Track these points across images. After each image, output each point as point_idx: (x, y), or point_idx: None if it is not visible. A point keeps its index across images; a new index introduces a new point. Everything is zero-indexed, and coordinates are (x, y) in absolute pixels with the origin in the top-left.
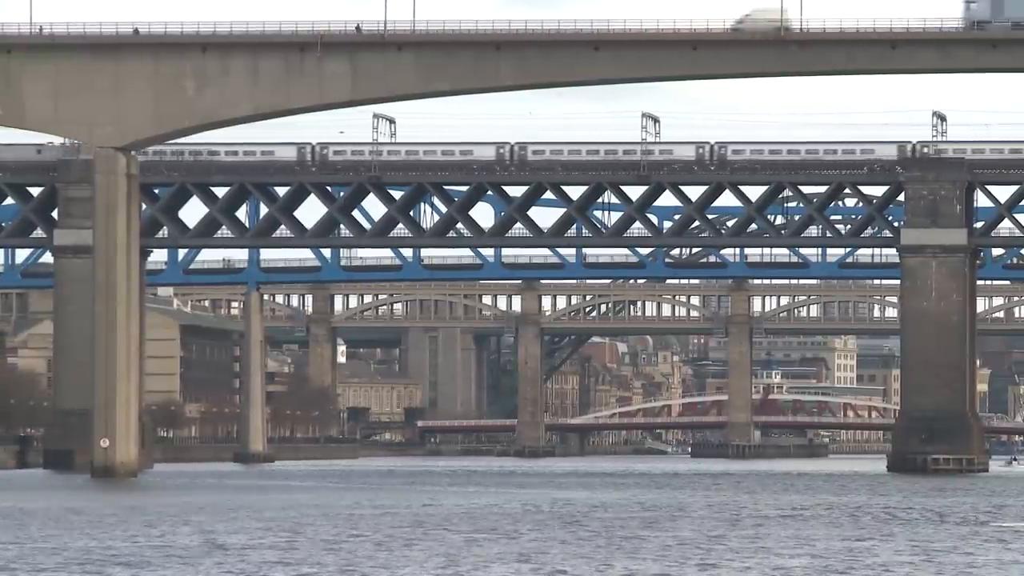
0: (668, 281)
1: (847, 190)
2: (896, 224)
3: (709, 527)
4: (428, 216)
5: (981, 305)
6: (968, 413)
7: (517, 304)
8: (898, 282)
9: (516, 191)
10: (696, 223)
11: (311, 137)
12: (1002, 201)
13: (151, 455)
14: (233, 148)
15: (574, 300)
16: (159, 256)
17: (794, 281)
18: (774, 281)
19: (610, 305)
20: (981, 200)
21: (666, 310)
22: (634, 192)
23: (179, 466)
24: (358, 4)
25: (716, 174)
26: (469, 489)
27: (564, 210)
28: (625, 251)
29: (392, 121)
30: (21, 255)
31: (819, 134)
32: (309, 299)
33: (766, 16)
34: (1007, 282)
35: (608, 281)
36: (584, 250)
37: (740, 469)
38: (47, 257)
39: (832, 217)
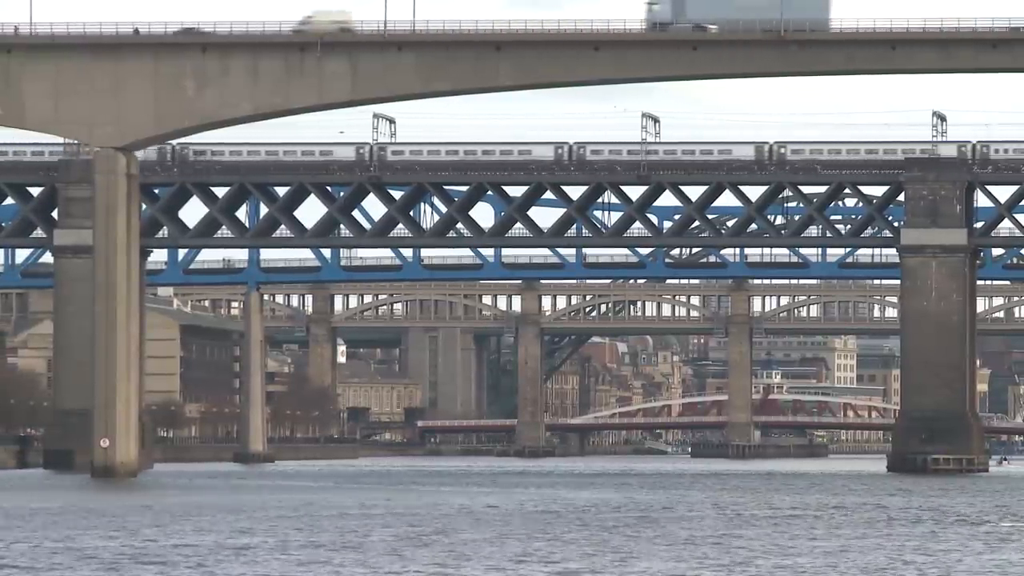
0: (668, 281)
1: (847, 190)
2: (896, 224)
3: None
4: (428, 216)
5: (981, 305)
6: (968, 413)
7: (517, 304)
8: (898, 282)
9: (516, 191)
10: (696, 223)
11: (312, 137)
12: (1002, 201)
13: (151, 455)
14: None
15: (574, 300)
16: (159, 256)
17: (794, 281)
18: (774, 281)
19: (610, 305)
20: (981, 200)
21: (666, 310)
22: (634, 192)
23: (179, 466)
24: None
25: (716, 174)
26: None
27: (564, 210)
28: (625, 251)
29: (392, 121)
30: (21, 255)
31: (819, 134)
32: (309, 299)
33: (329, 17)
34: (1007, 282)
35: (608, 281)
36: (584, 250)
37: (742, 469)
38: (47, 257)
39: (832, 217)
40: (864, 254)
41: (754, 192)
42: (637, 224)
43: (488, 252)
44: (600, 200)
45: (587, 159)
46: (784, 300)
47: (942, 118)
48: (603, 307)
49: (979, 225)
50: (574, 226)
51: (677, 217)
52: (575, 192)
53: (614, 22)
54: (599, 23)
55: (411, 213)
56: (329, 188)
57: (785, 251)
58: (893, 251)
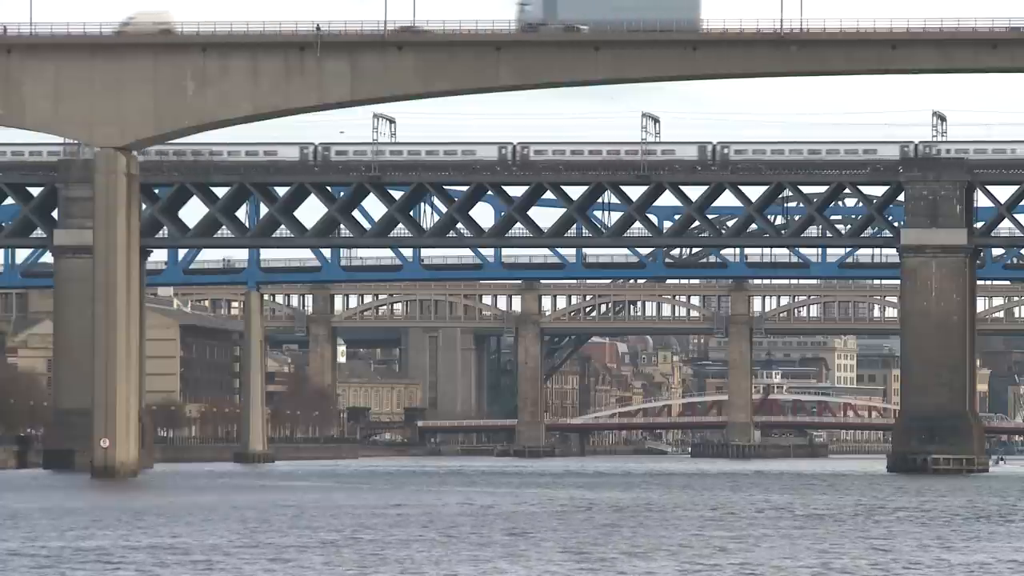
0: (668, 281)
1: (847, 190)
2: (896, 224)
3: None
4: (428, 216)
5: (981, 305)
6: (968, 413)
7: (517, 304)
8: (898, 282)
9: (516, 191)
10: (696, 223)
11: (312, 137)
12: (1002, 201)
13: (151, 455)
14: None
15: (574, 300)
16: (159, 256)
17: (794, 281)
18: (774, 281)
19: (610, 305)
20: (981, 200)
21: (666, 310)
22: (634, 192)
23: (179, 466)
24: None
25: (716, 174)
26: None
27: (564, 210)
28: (625, 251)
29: (392, 121)
30: (21, 255)
31: (819, 134)
32: (309, 299)
33: (151, 18)
34: (1007, 282)
35: (608, 281)
36: (584, 250)
37: (743, 469)
38: (47, 257)
39: (832, 217)
40: (864, 254)
41: (754, 192)
42: (637, 224)
43: (488, 252)
44: (600, 200)
45: (530, 159)
46: (784, 300)
47: (942, 118)
48: (603, 307)
49: (979, 225)
50: (574, 226)
51: (677, 217)
52: (575, 192)
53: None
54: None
55: (411, 213)
56: (329, 188)
57: (785, 251)
58: (893, 251)
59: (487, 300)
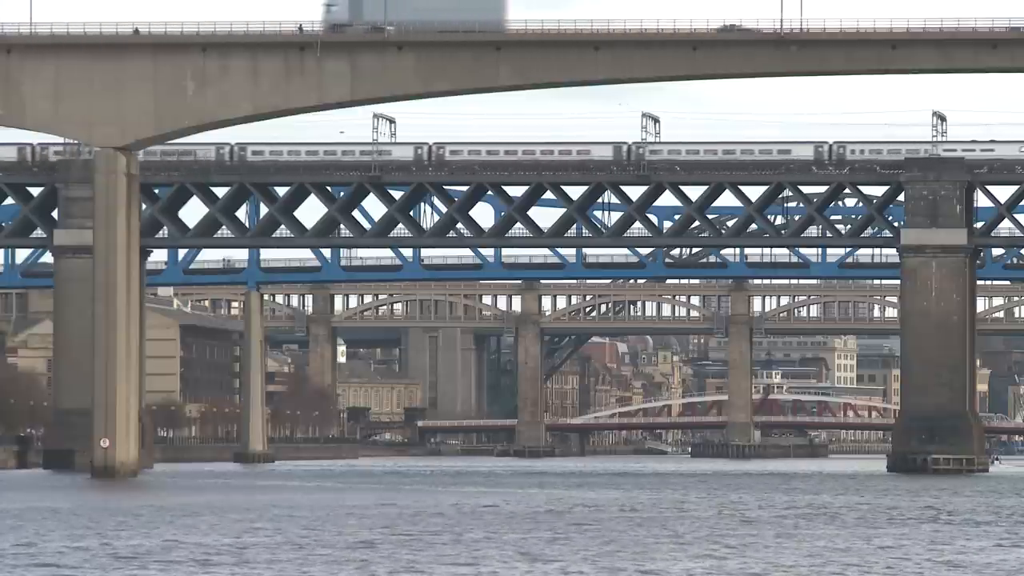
0: (668, 281)
1: (847, 190)
2: (896, 224)
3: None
4: (428, 216)
5: (981, 305)
6: (968, 413)
7: (517, 304)
8: (898, 282)
9: (516, 191)
10: (696, 223)
11: (312, 137)
12: (1002, 201)
13: (151, 455)
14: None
15: (574, 300)
16: (159, 256)
17: (794, 281)
18: (774, 281)
19: (610, 305)
20: (981, 200)
21: (666, 310)
22: (634, 192)
23: (179, 466)
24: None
25: (716, 174)
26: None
27: (564, 210)
28: (625, 251)
29: (392, 121)
30: (21, 255)
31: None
32: (309, 299)
33: None
34: (1007, 282)
35: (608, 281)
36: (584, 250)
37: (744, 469)
38: (47, 257)
39: (832, 217)
40: (864, 254)
41: (754, 192)
42: (637, 224)
43: (488, 252)
44: (600, 200)
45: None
46: (784, 300)
47: (942, 118)
48: (603, 307)
49: (979, 225)
50: (574, 226)
51: (677, 217)
52: (575, 192)
53: (614, 22)
54: (599, 23)
55: (411, 213)
56: (329, 188)
57: (785, 251)
58: (893, 251)
59: (487, 300)
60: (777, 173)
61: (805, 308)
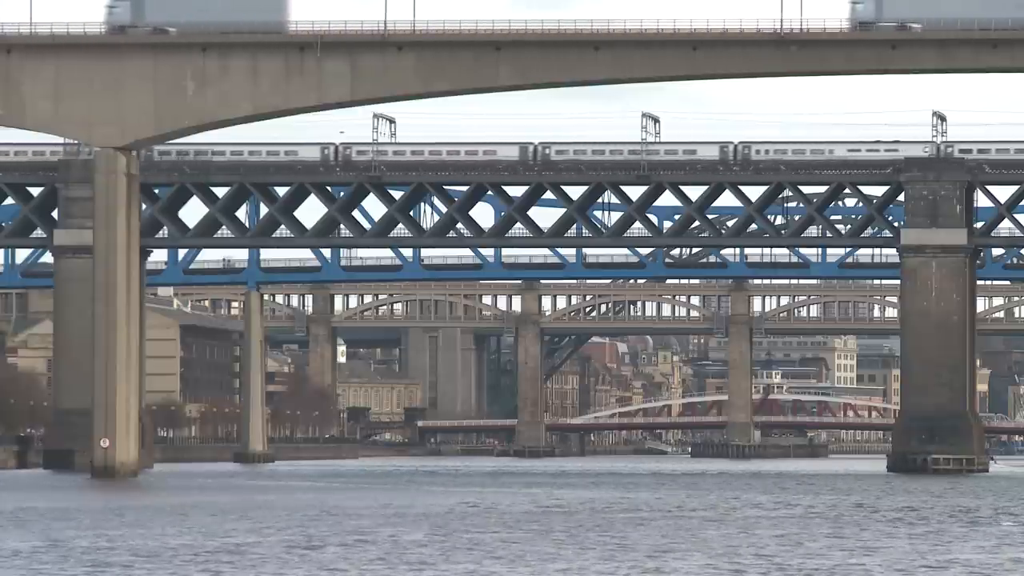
0: (668, 281)
1: (847, 190)
2: (896, 224)
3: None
4: (428, 216)
5: (981, 305)
6: (968, 413)
7: (517, 304)
8: (898, 282)
9: (516, 191)
10: (696, 223)
11: (312, 137)
12: (1002, 201)
13: (151, 455)
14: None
15: (574, 300)
16: (159, 256)
17: (794, 281)
18: (774, 281)
19: (610, 305)
20: (981, 200)
21: (666, 310)
22: (634, 192)
23: (179, 466)
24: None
25: (716, 174)
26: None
27: (564, 210)
28: (625, 251)
29: (392, 121)
30: (21, 255)
31: (819, 134)
32: (309, 299)
33: None
34: (1007, 282)
35: (608, 281)
36: (584, 250)
37: (745, 469)
38: (47, 257)
39: (832, 217)
40: (864, 254)
41: (754, 192)
42: (637, 224)
43: (488, 252)
44: (600, 200)
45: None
46: (784, 300)
47: (942, 118)
48: (603, 307)
49: (979, 225)
50: (574, 226)
51: (677, 217)
52: (575, 192)
53: (614, 22)
54: (599, 23)
55: (411, 213)
56: (329, 188)
57: (785, 251)
58: (893, 251)
59: (487, 300)
60: (777, 173)
61: (805, 308)
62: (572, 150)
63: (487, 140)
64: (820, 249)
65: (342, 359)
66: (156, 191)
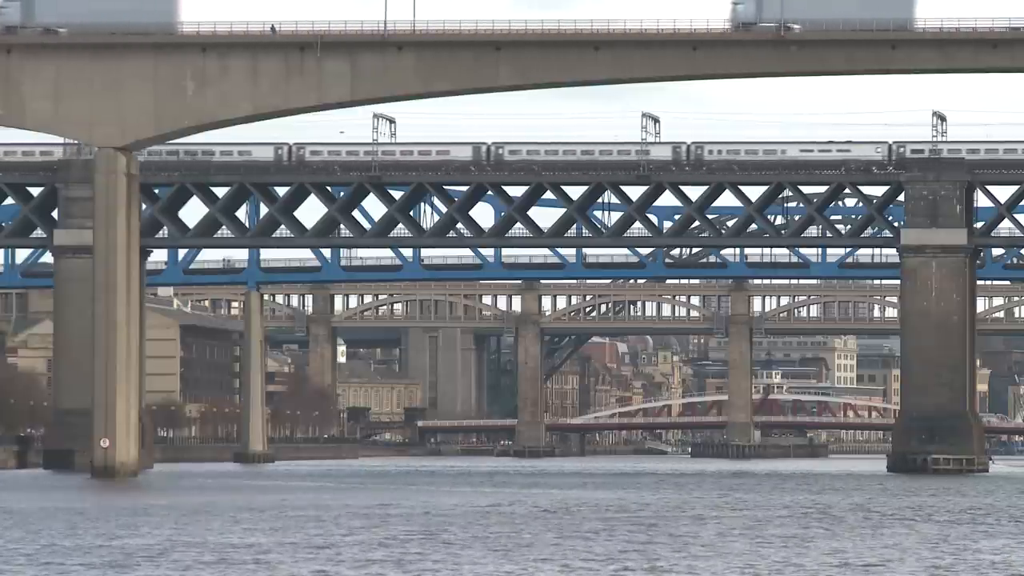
0: (668, 281)
1: (847, 190)
2: (896, 224)
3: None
4: (428, 216)
5: (981, 305)
6: (968, 413)
7: (517, 304)
8: (898, 282)
9: (516, 191)
10: (696, 223)
11: (312, 137)
12: (1002, 201)
13: (151, 455)
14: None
15: (574, 300)
16: (159, 256)
17: (794, 281)
18: (774, 281)
19: (610, 305)
20: (981, 200)
21: (666, 310)
22: (634, 192)
23: (179, 466)
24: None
25: (716, 174)
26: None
27: (564, 210)
28: (625, 251)
29: (392, 121)
30: (21, 255)
31: (819, 134)
32: (309, 299)
33: None
34: (1007, 282)
35: (608, 281)
36: (584, 250)
37: (746, 469)
38: (47, 257)
39: (832, 217)
40: (864, 254)
41: (754, 192)
42: (637, 224)
43: (488, 252)
44: (600, 200)
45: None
46: (784, 300)
47: (942, 118)
48: (603, 307)
49: (979, 225)
50: (574, 226)
51: (677, 217)
52: (575, 192)
53: (614, 22)
54: (599, 23)
55: (411, 213)
56: (329, 188)
57: (785, 251)
58: (893, 251)
59: (487, 300)
60: (777, 173)
61: (805, 308)
62: (525, 150)
63: (439, 140)
64: (820, 249)
65: (342, 359)
66: (156, 191)
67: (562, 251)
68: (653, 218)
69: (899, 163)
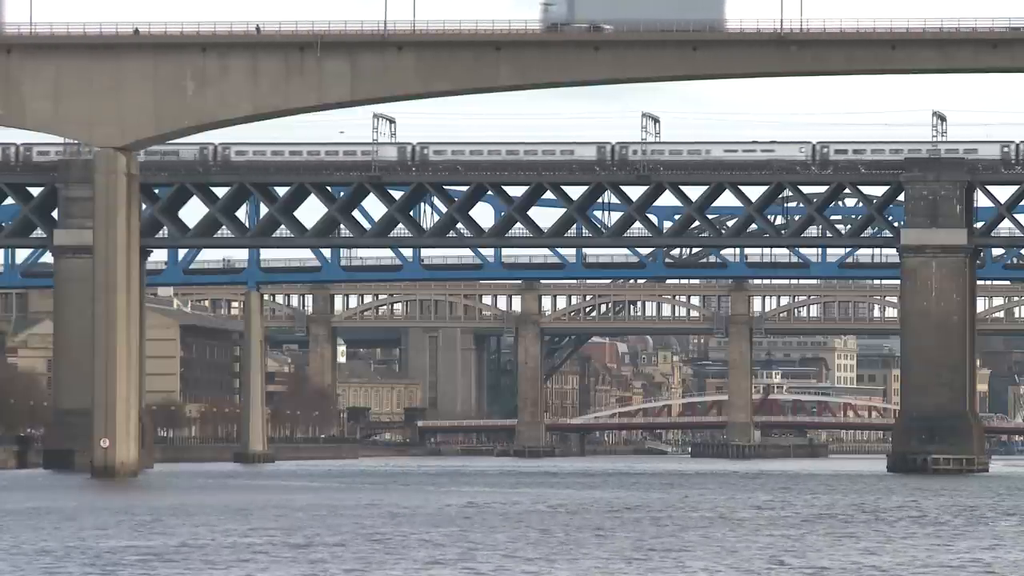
0: (668, 281)
1: (847, 190)
2: (896, 224)
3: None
4: (428, 216)
5: (981, 305)
6: (968, 413)
7: (517, 304)
8: (898, 282)
9: (516, 191)
10: (696, 223)
11: (311, 137)
12: (1002, 201)
13: (151, 455)
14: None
15: (574, 300)
16: (159, 256)
17: (794, 281)
18: (774, 281)
19: (610, 305)
20: (981, 200)
21: (666, 310)
22: (634, 192)
23: (179, 466)
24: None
25: (716, 174)
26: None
27: (564, 210)
28: (625, 251)
29: (392, 121)
30: (21, 255)
31: (819, 134)
32: (309, 299)
33: None
34: (1007, 282)
35: (608, 281)
36: (584, 250)
37: (746, 469)
38: (47, 257)
39: (832, 217)
40: (864, 254)
41: (754, 192)
42: (637, 224)
43: (488, 252)
44: (600, 200)
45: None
46: (784, 300)
47: (942, 118)
48: (603, 307)
49: (979, 225)
50: (574, 226)
51: (677, 217)
52: (575, 192)
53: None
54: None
55: (411, 213)
56: (329, 188)
57: (785, 251)
58: (893, 251)
59: (487, 300)
60: (777, 173)
61: (805, 308)
62: (450, 150)
63: (366, 140)
64: (820, 249)
65: (342, 359)
66: (156, 191)
67: (562, 251)
68: (653, 218)
69: (899, 164)
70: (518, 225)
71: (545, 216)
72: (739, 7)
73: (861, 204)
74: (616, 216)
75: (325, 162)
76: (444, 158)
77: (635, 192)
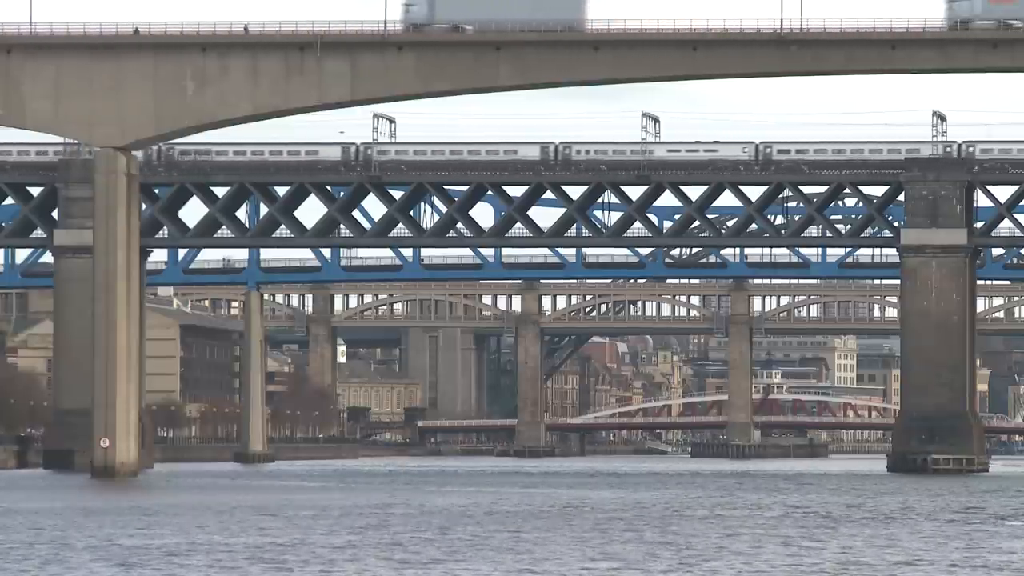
0: (668, 281)
1: (847, 190)
2: (896, 224)
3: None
4: (428, 216)
5: (981, 305)
6: (968, 413)
7: (517, 304)
8: (898, 282)
9: (517, 191)
10: (696, 223)
11: (312, 137)
12: (1002, 201)
13: (151, 455)
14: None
15: (574, 300)
16: (159, 256)
17: (794, 281)
18: (774, 281)
19: (610, 305)
20: (981, 200)
21: (666, 310)
22: (634, 192)
23: (179, 466)
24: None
25: (717, 174)
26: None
27: (564, 210)
28: (625, 251)
29: (392, 121)
30: (21, 255)
31: (819, 134)
32: (309, 299)
33: None
34: (1007, 282)
35: (608, 281)
36: (584, 250)
37: (746, 469)
38: (47, 257)
39: (832, 217)
40: (864, 254)
41: (754, 192)
42: (637, 224)
43: (488, 252)
44: (600, 200)
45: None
46: (784, 300)
47: (942, 118)
48: (603, 307)
49: (979, 225)
50: (574, 226)
51: (677, 217)
52: (575, 192)
53: (614, 22)
54: (599, 23)
55: (411, 213)
56: (329, 188)
57: (785, 251)
58: (893, 251)
59: (487, 300)
60: (778, 173)
61: (805, 308)
62: (393, 150)
63: (311, 140)
64: (820, 249)
65: (342, 359)
66: (156, 191)
67: (562, 251)
68: (653, 218)
69: (899, 164)
70: (518, 225)
71: (545, 216)
72: (602, 8)
73: (861, 204)
74: (616, 216)
75: (268, 162)
76: (388, 158)
77: (635, 192)
